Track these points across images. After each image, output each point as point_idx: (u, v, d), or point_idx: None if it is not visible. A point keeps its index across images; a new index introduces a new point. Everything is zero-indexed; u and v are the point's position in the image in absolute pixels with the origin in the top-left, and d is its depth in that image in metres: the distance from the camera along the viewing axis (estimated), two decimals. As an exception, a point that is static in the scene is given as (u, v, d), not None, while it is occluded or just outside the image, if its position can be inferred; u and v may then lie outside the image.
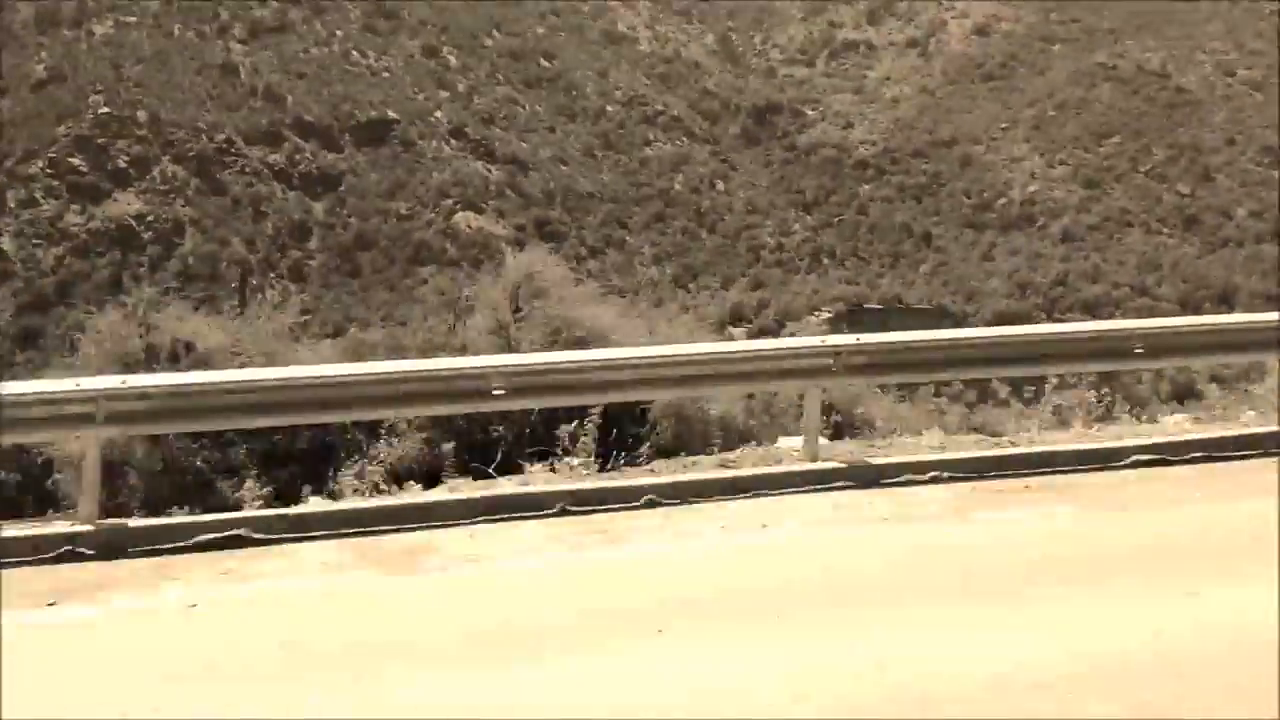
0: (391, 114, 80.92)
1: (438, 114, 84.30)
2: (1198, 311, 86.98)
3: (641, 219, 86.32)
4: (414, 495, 9.71)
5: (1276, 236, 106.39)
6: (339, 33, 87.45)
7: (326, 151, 76.53)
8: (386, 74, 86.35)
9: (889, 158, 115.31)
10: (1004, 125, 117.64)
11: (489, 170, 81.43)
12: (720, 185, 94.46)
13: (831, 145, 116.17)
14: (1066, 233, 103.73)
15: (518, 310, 13.95)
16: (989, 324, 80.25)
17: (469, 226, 73.82)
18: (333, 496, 10.46)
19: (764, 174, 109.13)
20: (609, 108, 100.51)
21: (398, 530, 8.57)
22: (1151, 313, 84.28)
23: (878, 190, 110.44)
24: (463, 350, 13.79)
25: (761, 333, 64.84)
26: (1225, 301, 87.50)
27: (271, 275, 67.51)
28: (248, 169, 72.87)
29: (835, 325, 71.24)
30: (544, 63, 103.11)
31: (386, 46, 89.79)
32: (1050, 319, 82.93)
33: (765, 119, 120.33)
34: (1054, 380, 10.93)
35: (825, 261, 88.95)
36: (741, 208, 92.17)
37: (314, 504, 9.75)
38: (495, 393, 9.09)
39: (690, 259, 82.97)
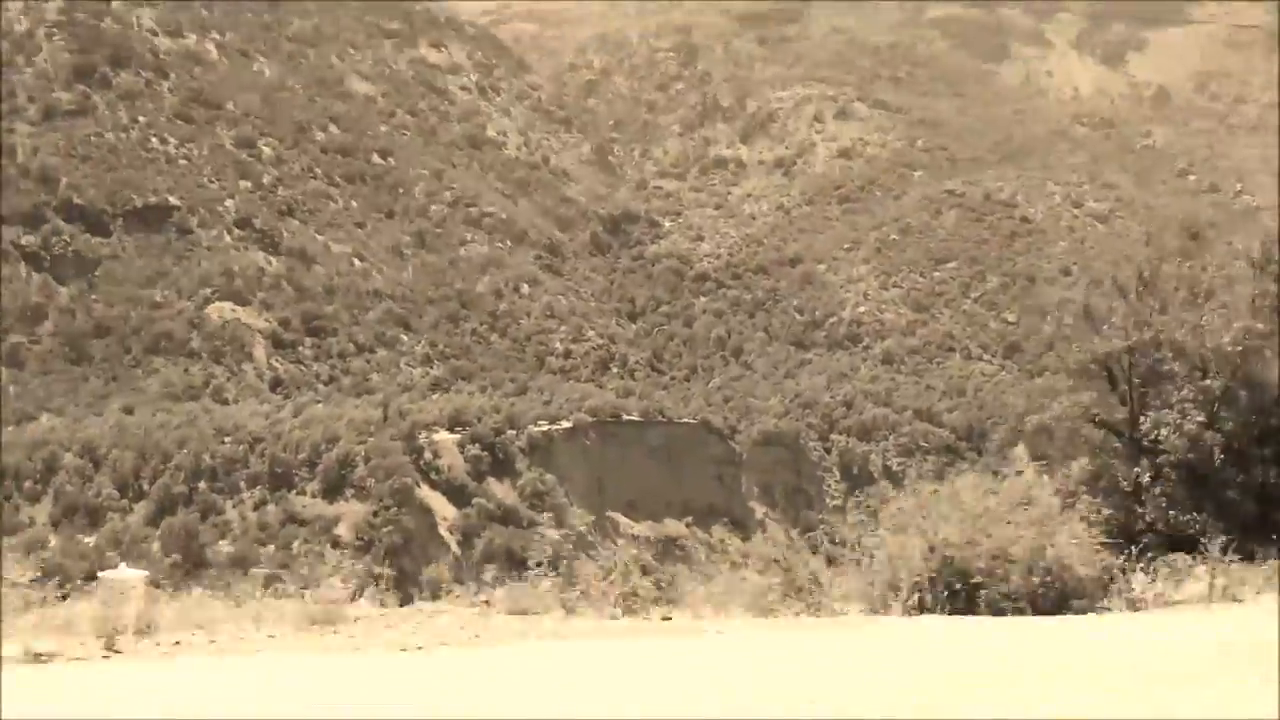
0: (172, 200, 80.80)
1: (228, 203, 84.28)
2: (982, 439, 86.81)
3: (431, 319, 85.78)
4: None
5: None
6: (141, 119, 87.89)
7: (91, 235, 76.02)
8: (184, 161, 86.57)
9: (731, 272, 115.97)
10: (847, 246, 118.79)
11: (269, 262, 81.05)
12: (525, 289, 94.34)
13: (676, 257, 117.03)
14: (888, 354, 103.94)
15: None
16: (755, 442, 79.48)
17: (220, 318, 72.99)
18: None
19: (599, 281, 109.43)
20: (433, 207, 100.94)
21: None
22: (925, 438, 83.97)
23: (711, 304, 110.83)
24: None
25: (474, 440, 63.74)
26: (1018, 431, 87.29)
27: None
28: (-5, 248, 72.16)
29: (572, 436, 70.30)
30: (376, 159, 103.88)
31: (194, 135, 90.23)
32: (822, 440, 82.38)
33: (619, 228, 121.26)
34: None
35: (613, 370, 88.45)
36: (540, 312, 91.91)
37: None
38: None
39: (466, 362, 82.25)
